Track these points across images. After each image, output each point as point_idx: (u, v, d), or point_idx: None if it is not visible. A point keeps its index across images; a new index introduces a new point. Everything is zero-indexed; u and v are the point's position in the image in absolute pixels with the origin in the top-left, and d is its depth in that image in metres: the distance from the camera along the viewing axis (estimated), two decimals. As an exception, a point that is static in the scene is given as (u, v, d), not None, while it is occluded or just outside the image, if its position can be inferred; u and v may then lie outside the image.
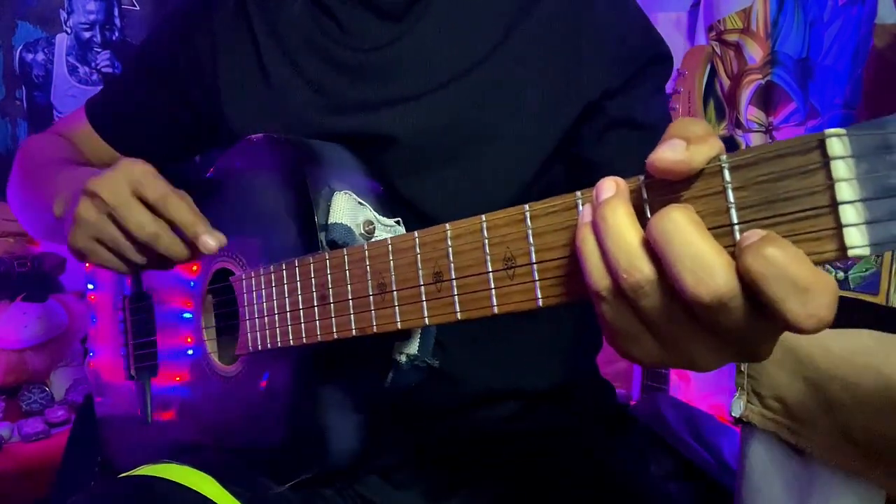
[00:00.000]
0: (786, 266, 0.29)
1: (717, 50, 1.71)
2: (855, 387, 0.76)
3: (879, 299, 0.95)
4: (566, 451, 0.76)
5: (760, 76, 1.63)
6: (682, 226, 0.31)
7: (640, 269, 0.33)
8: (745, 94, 1.66)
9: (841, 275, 1.01)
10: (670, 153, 0.32)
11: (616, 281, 0.34)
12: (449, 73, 0.69)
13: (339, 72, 0.72)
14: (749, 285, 0.31)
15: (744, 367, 0.89)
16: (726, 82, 1.70)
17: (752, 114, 1.65)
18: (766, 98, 1.62)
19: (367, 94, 0.71)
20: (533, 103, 0.69)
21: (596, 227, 0.34)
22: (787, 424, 0.84)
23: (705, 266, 0.31)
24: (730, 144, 1.61)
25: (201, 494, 0.62)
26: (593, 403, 0.82)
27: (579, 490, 0.74)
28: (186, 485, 0.63)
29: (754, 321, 0.32)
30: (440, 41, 0.70)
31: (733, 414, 0.91)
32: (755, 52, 1.63)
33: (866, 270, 0.98)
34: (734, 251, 0.31)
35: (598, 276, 0.34)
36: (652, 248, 0.32)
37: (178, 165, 0.85)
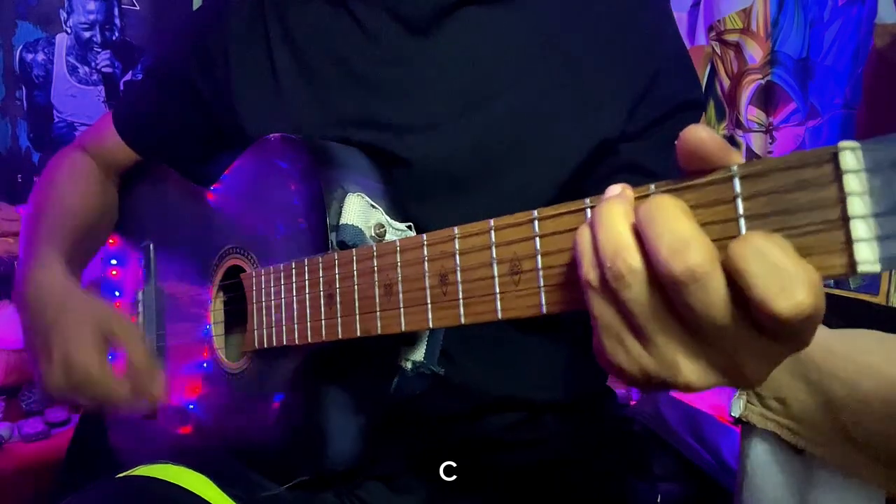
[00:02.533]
0: (766, 249, 0.30)
1: (717, 50, 1.71)
2: (855, 387, 0.76)
3: (879, 299, 0.95)
4: (569, 460, 0.76)
5: (760, 76, 1.63)
6: (667, 207, 0.32)
7: (626, 258, 0.33)
8: (745, 94, 1.66)
9: (841, 275, 1.01)
10: (705, 131, 0.33)
11: (603, 272, 0.34)
12: (469, 101, 0.68)
13: (356, 84, 0.71)
14: (729, 270, 0.31)
15: (744, 367, 0.89)
16: (726, 82, 1.70)
17: (752, 114, 1.65)
18: (766, 98, 1.62)
19: (383, 112, 0.70)
20: (550, 137, 0.68)
21: (593, 222, 0.35)
22: (787, 424, 0.84)
23: (682, 240, 0.31)
24: (730, 144, 1.61)
25: (197, 495, 0.62)
26: (597, 412, 0.81)
27: (581, 499, 0.74)
28: (182, 485, 0.63)
29: (734, 316, 0.32)
30: (463, 64, 0.69)
31: (733, 414, 0.91)
32: (755, 52, 1.63)
33: (866, 270, 0.98)
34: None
35: (587, 268, 0.35)
36: (640, 239, 0.33)
37: (201, 168, 0.85)
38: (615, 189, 0.35)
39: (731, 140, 1.69)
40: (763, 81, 1.62)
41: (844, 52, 1.49)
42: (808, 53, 1.55)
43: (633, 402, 1.52)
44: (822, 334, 0.87)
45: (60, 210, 0.85)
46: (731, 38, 1.67)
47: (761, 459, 0.88)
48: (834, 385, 0.78)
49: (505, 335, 0.71)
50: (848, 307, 0.96)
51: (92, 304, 0.72)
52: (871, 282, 0.96)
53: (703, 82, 1.74)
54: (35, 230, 0.82)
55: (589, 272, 0.35)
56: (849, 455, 0.76)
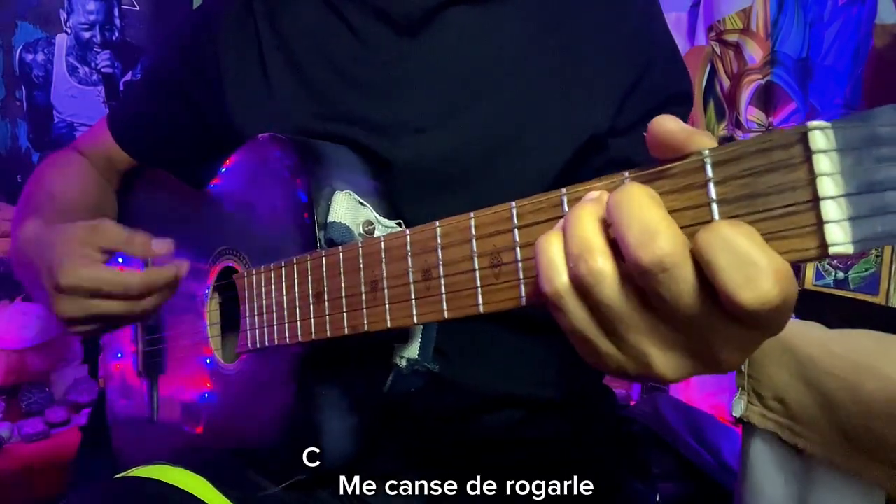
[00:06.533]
0: (732, 238, 0.29)
1: (717, 50, 1.71)
2: (855, 387, 0.76)
3: (879, 299, 0.95)
4: (568, 460, 0.76)
5: (760, 76, 1.63)
6: (635, 196, 0.32)
7: (595, 256, 0.33)
8: (745, 94, 1.66)
9: (841, 275, 1.01)
10: (671, 121, 0.33)
11: (572, 272, 0.34)
12: (457, 101, 0.68)
13: (346, 85, 0.71)
14: (697, 258, 0.31)
15: (744, 367, 0.89)
16: (726, 82, 1.70)
17: (752, 114, 1.65)
18: (766, 98, 1.62)
19: (373, 113, 0.70)
20: (538, 135, 0.67)
21: (564, 225, 0.34)
22: (788, 425, 0.84)
23: (650, 230, 0.31)
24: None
25: (194, 496, 0.62)
26: (595, 411, 0.81)
27: (580, 499, 0.74)
28: (179, 486, 0.63)
29: (704, 305, 0.31)
30: (452, 64, 0.69)
31: (734, 414, 0.91)
32: (755, 52, 1.63)
33: (866, 270, 0.98)
34: None
35: (555, 273, 0.34)
36: (609, 231, 0.33)
37: (195, 170, 0.85)
38: (593, 195, 0.35)
39: (731, 140, 1.68)
40: (763, 81, 1.62)
41: (844, 52, 1.49)
42: (808, 53, 1.55)
43: (633, 402, 1.52)
44: (822, 334, 0.87)
45: (46, 198, 0.84)
46: (731, 38, 1.67)
47: (761, 459, 0.88)
48: (834, 385, 0.78)
49: (500, 332, 0.71)
50: (848, 307, 0.96)
51: (66, 227, 0.69)
52: (871, 282, 0.96)
53: (703, 82, 1.74)
54: (21, 220, 0.81)
55: (555, 279, 0.34)
56: (849, 455, 0.76)
